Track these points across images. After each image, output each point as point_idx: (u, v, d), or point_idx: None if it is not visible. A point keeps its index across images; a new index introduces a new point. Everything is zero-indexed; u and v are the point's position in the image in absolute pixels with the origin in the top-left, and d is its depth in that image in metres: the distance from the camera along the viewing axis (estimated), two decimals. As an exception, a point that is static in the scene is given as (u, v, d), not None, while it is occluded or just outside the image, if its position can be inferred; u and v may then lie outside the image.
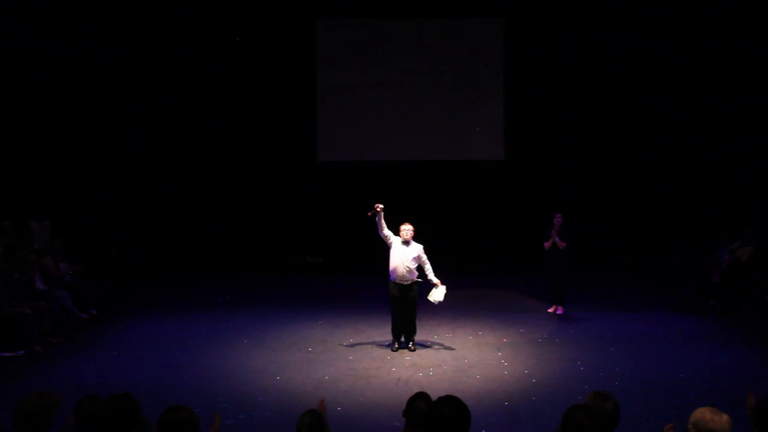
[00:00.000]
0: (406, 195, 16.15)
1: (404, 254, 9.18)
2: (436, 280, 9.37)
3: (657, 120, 15.62)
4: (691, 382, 7.94)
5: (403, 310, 9.23)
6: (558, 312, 11.36)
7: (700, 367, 8.51)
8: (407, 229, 9.26)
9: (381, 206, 9.14)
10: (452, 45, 16.12)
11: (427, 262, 9.34)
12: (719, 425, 3.40)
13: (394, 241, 9.27)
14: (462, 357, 8.98)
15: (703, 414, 3.47)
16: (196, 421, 3.70)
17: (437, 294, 9.38)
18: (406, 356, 9.05)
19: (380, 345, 9.54)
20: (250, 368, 8.55)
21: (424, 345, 9.54)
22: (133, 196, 15.84)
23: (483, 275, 14.69)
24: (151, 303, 12.35)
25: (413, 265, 9.21)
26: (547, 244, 11.27)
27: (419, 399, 3.91)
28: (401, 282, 9.20)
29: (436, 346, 9.50)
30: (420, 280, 9.30)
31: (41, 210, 13.08)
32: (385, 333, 10.10)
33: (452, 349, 9.37)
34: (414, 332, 9.41)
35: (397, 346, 9.33)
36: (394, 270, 9.20)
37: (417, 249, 9.26)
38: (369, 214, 9.16)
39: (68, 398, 4.30)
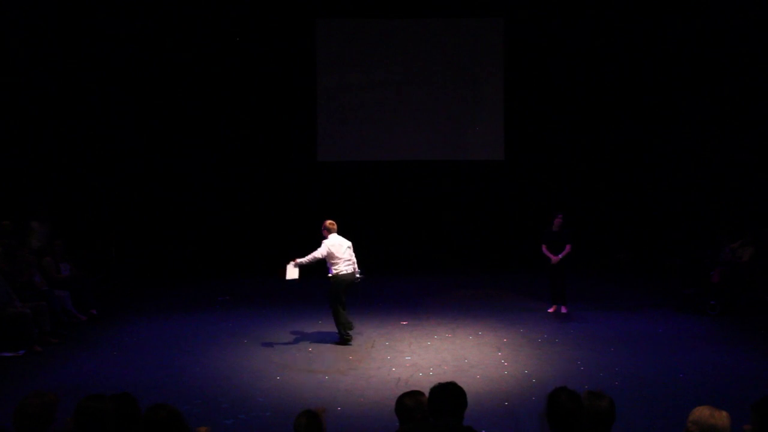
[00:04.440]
0: (407, 195, 16.18)
1: None
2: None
3: (657, 119, 15.62)
4: (691, 382, 7.93)
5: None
6: (562, 311, 11.37)
7: (700, 367, 8.50)
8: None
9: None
10: (452, 45, 16.12)
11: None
12: (720, 421, 3.46)
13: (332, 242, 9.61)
14: (462, 357, 8.98)
15: (702, 411, 3.53)
16: (178, 417, 3.75)
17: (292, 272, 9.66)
18: (406, 356, 9.06)
19: (380, 345, 9.54)
20: (250, 368, 8.55)
21: (424, 345, 9.55)
22: (134, 196, 15.84)
23: (483, 275, 14.69)
24: (151, 303, 12.35)
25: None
26: (544, 248, 11.32)
27: (405, 396, 4.04)
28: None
29: (436, 346, 9.50)
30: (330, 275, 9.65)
31: (41, 209, 13.07)
32: (385, 333, 10.14)
33: (452, 349, 9.37)
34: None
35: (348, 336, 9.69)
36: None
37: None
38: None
39: (68, 398, 4.30)
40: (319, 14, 16.11)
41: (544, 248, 11.37)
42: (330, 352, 9.28)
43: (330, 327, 10.50)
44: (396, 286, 13.60)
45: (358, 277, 9.71)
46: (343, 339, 9.64)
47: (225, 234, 16.08)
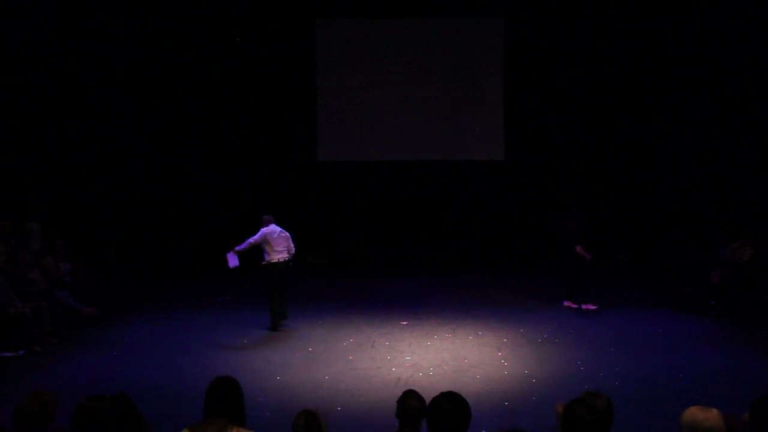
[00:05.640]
0: (407, 195, 16.18)
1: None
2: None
3: (657, 119, 15.62)
4: (691, 382, 7.93)
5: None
6: (584, 307, 11.52)
7: (699, 367, 8.50)
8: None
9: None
10: (452, 45, 16.14)
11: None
12: (713, 420, 3.42)
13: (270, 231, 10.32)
14: (462, 357, 8.98)
15: (694, 415, 3.48)
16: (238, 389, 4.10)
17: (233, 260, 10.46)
18: (406, 356, 9.06)
19: (380, 345, 9.54)
20: (250, 368, 8.55)
21: (424, 345, 9.55)
22: (134, 196, 15.83)
23: (483, 275, 14.69)
24: (151, 303, 12.35)
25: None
26: (580, 249, 11.48)
27: (409, 397, 3.98)
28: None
29: (436, 346, 9.49)
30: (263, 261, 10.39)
31: (35, 210, 13.04)
32: (385, 333, 10.13)
33: (452, 349, 9.37)
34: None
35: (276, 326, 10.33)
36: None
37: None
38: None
39: (68, 398, 4.30)
40: (319, 14, 16.11)
41: (580, 249, 11.48)
42: (330, 352, 9.28)
43: (330, 327, 10.53)
44: (396, 286, 13.60)
45: (290, 264, 10.56)
46: (274, 325, 10.29)
47: (225, 234, 16.03)
